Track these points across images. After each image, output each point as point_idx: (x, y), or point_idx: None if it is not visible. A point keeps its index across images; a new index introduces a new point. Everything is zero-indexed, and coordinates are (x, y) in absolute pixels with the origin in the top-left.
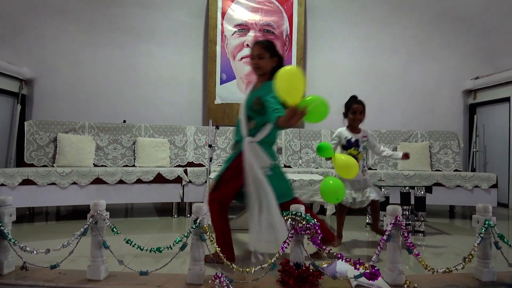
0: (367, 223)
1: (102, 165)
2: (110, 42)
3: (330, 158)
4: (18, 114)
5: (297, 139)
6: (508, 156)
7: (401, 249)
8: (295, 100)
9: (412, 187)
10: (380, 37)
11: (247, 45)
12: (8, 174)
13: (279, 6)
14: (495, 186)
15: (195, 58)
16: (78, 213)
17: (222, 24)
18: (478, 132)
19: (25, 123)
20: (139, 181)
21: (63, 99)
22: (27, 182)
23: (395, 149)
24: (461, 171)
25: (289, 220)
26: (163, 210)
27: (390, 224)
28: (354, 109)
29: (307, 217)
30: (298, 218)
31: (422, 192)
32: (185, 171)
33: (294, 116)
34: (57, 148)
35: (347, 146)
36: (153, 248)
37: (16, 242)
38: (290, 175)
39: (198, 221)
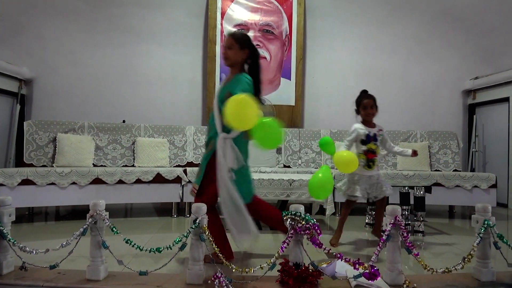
0: (367, 223)
1: (101, 165)
2: (109, 42)
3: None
4: (18, 114)
5: (297, 139)
6: (508, 156)
7: (400, 249)
8: (245, 128)
9: (412, 187)
10: (380, 37)
11: None
12: (8, 174)
13: (278, 6)
14: (494, 186)
15: (194, 58)
16: (78, 213)
17: (221, 24)
18: (478, 132)
19: (25, 123)
20: (138, 181)
21: (63, 99)
22: (26, 182)
23: None
24: (460, 171)
25: (289, 220)
26: (162, 210)
27: (390, 224)
28: (365, 104)
29: (307, 217)
30: (298, 218)
31: (421, 192)
32: (185, 171)
33: None
34: (57, 148)
35: (366, 140)
36: (153, 248)
37: (15, 242)
38: (290, 175)
39: (197, 221)
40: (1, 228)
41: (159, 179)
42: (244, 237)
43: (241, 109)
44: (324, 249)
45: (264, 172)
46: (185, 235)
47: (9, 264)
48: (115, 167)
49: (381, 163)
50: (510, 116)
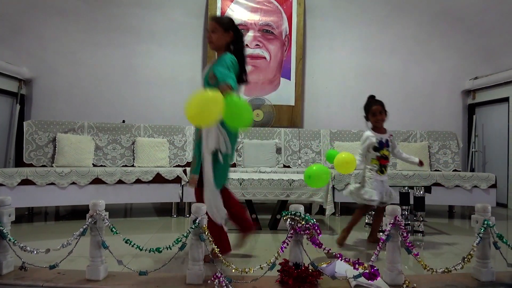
0: (367, 223)
1: (101, 165)
2: (109, 42)
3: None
4: (17, 114)
5: (296, 139)
6: (507, 156)
7: (400, 249)
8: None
9: (411, 187)
10: (379, 37)
11: (246, 45)
12: (7, 174)
13: (278, 6)
14: (494, 186)
15: (194, 58)
16: (77, 213)
17: None
18: (477, 132)
19: (24, 123)
20: (138, 181)
21: (62, 99)
22: (26, 182)
23: None
24: (460, 171)
25: (288, 220)
26: (162, 210)
27: (389, 224)
28: (373, 111)
29: (307, 217)
30: (297, 218)
31: (421, 192)
32: (184, 171)
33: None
34: (56, 148)
35: (379, 147)
36: (152, 248)
37: (15, 241)
38: (290, 175)
39: (197, 221)
40: (1, 228)
41: (159, 179)
42: (217, 219)
43: (198, 109)
44: (324, 249)
45: (264, 172)
46: (185, 235)
47: (9, 264)
48: (115, 167)
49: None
50: (509, 116)
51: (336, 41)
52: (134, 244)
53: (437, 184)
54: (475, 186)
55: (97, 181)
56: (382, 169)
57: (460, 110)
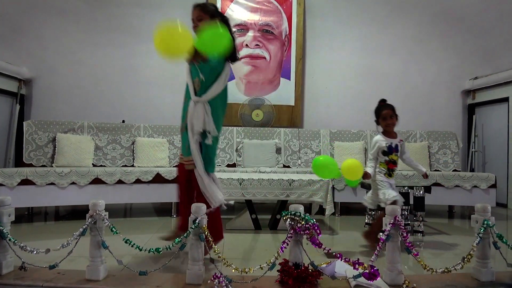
0: (366, 223)
1: (101, 165)
2: (109, 42)
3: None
4: (17, 114)
5: (296, 139)
6: (507, 156)
7: (400, 249)
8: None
9: (411, 187)
10: (379, 37)
11: (246, 45)
12: (7, 174)
13: (278, 6)
14: (494, 186)
15: None
16: (77, 213)
17: None
18: (477, 132)
19: (24, 123)
20: (138, 181)
21: (62, 99)
22: (26, 182)
23: None
24: (460, 171)
25: (288, 220)
26: (162, 210)
27: (389, 224)
28: (384, 115)
29: (306, 217)
30: (297, 218)
31: (421, 192)
32: None
33: None
34: (56, 148)
35: (388, 152)
36: (152, 249)
37: (15, 241)
38: (289, 175)
39: (197, 221)
40: (0, 228)
41: (158, 179)
42: (211, 203)
43: (168, 40)
44: (324, 249)
45: (263, 172)
46: (184, 235)
47: (9, 264)
48: (114, 167)
49: None
50: (509, 116)
51: (336, 41)
52: (134, 244)
53: (437, 184)
54: (475, 186)
55: (97, 181)
56: (390, 173)
57: (460, 110)
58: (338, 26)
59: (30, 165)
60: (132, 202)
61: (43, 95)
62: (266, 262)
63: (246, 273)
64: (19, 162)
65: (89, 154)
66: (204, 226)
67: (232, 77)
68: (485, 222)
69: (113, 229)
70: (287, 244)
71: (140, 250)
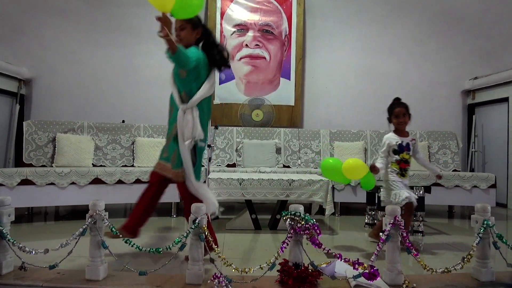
0: (366, 223)
1: (101, 165)
2: (109, 42)
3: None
4: (17, 114)
5: (296, 139)
6: (507, 156)
7: (400, 249)
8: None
9: (411, 187)
10: (379, 37)
11: (246, 45)
12: (7, 174)
13: (278, 6)
14: (493, 186)
15: None
16: (77, 213)
17: (221, 24)
18: (477, 132)
19: (24, 123)
20: (138, 181)
21: (62, 99)
22: (25, 182)
23: None
24: (459, 171)
25: (288, 220)
26: (162, 210)
27: (389, 224)
28: (396, 113)
29: (306, 217)
30: (297, 218)
31: (421, 192)
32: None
33: (164, 25)
34: (56, 148)
35: (399, 150)
36: (152, 249)
37: (15, 242)
38: (289, 175)
39: (197, 221)
40: (0, 228)
41: None
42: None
43: None
44: (324, 249)
45: (263, 172)
46: (184, 235)
47: (9, 264)
48: (114, 167)
49: None
50: (509, 116)
51: (336, 41)
52: (134, 244)
53: (436, 184)
54: (475, 186)
55: (96, 181)
56: (402, 173)
57: (460, 110)
58: (338, 26)
59: (30, 165)
60: (132, 202)
61: (43, 95)
62: (266, 262)
63: (246, 273)
64: (19, 162)
65: (89, 154)
66: (204, 226)
67: (232, 77)
68: (485, 222)
69: (113, 229)
70: (287, 244)
71: (140, 250)
